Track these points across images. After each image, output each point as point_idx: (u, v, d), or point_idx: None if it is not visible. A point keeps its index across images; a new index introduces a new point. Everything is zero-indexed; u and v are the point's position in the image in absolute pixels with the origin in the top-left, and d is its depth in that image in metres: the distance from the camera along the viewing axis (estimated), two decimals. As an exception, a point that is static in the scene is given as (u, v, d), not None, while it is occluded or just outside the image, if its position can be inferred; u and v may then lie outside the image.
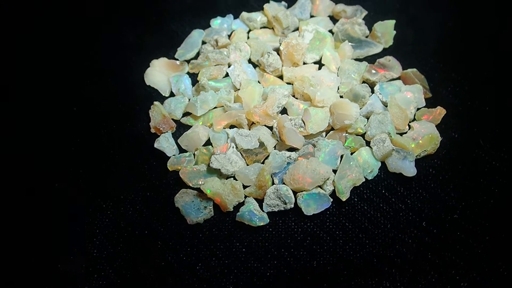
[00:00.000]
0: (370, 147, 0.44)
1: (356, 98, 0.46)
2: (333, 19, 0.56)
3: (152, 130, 0.47)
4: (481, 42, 0.52)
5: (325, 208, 0.41)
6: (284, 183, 0.42)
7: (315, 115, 0.44)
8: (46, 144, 0.48)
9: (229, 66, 0.51)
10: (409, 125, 0.45)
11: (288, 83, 0.49)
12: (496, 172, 0.43)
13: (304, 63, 0.51)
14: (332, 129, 0.45)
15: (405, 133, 0.45)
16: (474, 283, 0.37)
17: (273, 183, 0.43)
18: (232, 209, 0.42)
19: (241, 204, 0.42)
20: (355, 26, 0.53)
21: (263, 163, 0.43)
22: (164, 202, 0.43)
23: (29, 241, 0.42)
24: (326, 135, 0.45)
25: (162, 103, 0.48)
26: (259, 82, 0.49)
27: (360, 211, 0.42)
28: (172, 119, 0.48)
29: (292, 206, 0.41)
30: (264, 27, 0.56)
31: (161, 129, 0.47)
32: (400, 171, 0.42)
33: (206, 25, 0.56)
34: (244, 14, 0.56)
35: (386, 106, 0.46)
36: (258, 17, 0.55)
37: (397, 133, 0.45)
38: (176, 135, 0.47)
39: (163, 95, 0.51)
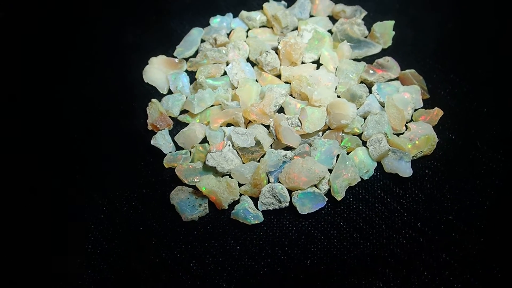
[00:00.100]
0: (366, 147, 0.44)
1: (353, 98, 0.46)
2: (333, 19, 0.56)
3: (149, 127, 0.47)
4: (480, 44, 0.52)
5: (320, 207, 0.41)
6: (279, 182, 0.42)
7: (311, 114, 0.44)
8: (43, 139, 0.48)
9: (227, 65, 0.51)
10: (406, 126, 0.45)
11: (286, 82, 0.49)
12: (492, 174, 0.43)
13: (303, 63, 0.51)
14: (329, 128, 0.45)
15: (402, 133, 0.45)
16: (467, 284, 0.37)
17: (268, 182, 0.43)
18: (227, 207, 0.42)
19: (236, 202, 0.42)
20: (354, 26, 0.53)
21: (259, 161, 0.43)
22: (159, 199, 0.43)
23: (23, 236, 0.42)
24: (322, 135, 0.45)
25: (160, 100, 0.49)
26: (257, 81, 0.49)
27: (355, 211, 0.42)
28: (170, 116, 0.48)
29: (287, 204, 0.41)
30: (263, 26, 0.56)
31: (158, 126, 0.47)
32: (396, 172, 0.42)
33: (205, 24, 0.56)
34: (243, 13, 0.56)
35: (384, 107, 0.46)
36: (257, 16, 0.55)
37: (394, 134, 0.45)
38: (173, 133, 0.47)
39: (161, 92, 0.51)
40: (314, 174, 0.41)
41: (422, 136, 0.43)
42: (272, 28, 0.55)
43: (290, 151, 0.44)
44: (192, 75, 0.51)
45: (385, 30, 0.52)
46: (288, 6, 0.57)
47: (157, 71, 0.52)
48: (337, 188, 0.41)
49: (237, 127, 0.45)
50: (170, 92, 0.51)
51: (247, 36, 0.54)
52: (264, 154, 0.43)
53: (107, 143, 0.47)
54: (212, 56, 0.51)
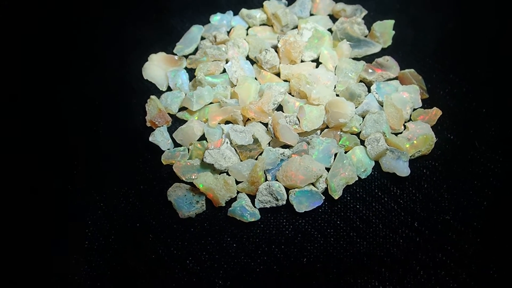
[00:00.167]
0: (364, 146, 0.44)
1: (352, 97, 0.46)
2: (333, 18, 0.56)
3: (148, 124, 0.47)
4: (480, 44, 0.52)
5: (317, 206, 0.41)
6: (277, 180, 0.42)
7: (309, 112, 0.44)
8: (41, 136, 0.48)
9: (226, 62, 0.51)
10: (404, 125, 0.45)
11: (285, 81, 0.49)
12: (490, 174, 0.42)
13: (302, 61, 0.51)
14: (327, 127, 0.45)
15: (400, 133, 0.45)
16: (463, 284, 0.37)
17: (265, 180, 0.43)
18: (224, 204, 0.42)
19: (233, 199, 0.42)
20: (354, 25, 0.53)
21: (256, 159, 0.43)
22: (157, 196, 0.43)
23: (20, 231, 0.42)
24: (320, 133, 0.45)
25: (159, 97, 0.49)
26: (256, 78, 0.49)
27: (352, 210, 0.42)
28: (168, 113, 0.48)
29: (284, 202, 0.41)
30: (264, 24, 0.56)
31: (156, 123, 0.47)
32: (394, 171, 0.42)
33: (205, 21, 0.56)
34: (243, 10, 0.56)
35: (382, 106, 0.46)
36: (257, 14, 0.55)
37: (392, 133, 0.45)
38: (171, 130, 0.47)
39: (160, 89, 0.51)
40: (312, 173, 0.41)
41: (420, 135, 0.43)
42: (272, 26, 0.55)
43: (288, 149, 0.44)
44: (191, 73, 0.51)
45: (385, 29, 0.52)
46: (289, 4, 0.56)
47: (157, 68, 0.52)
48: (334, 187, 0.41)
49: (236, 124, 0.45)
50: (169, 89, 0.51)
51: (247, 34, 0.54)
52: (262, 152, 0.43)
53: (105, 140, 0.48)
54: (211, 53, 0.51)
